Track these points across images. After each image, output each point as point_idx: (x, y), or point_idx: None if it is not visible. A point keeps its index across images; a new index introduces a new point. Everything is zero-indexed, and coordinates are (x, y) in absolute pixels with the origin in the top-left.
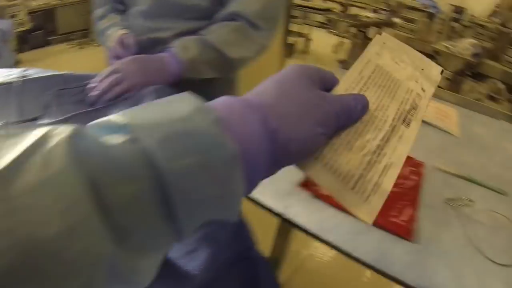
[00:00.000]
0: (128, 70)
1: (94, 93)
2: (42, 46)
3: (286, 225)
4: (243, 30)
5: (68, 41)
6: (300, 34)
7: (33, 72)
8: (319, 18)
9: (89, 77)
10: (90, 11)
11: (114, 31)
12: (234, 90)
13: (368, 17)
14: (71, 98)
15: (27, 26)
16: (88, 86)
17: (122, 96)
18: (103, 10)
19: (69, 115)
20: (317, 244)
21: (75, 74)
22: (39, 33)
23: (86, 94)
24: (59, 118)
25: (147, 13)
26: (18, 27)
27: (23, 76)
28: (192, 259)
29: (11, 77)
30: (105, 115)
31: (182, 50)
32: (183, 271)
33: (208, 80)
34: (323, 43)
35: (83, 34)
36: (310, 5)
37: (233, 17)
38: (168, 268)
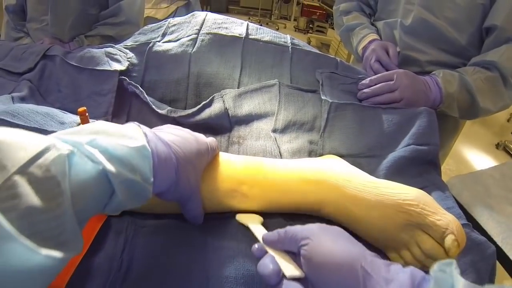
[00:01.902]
0: (402, 82)
1: (366, 90)
2: (222, 11)
3: None
4: (497, 82)
5: (247, 15)
6: None
7: (301, 43)
8: None
9: (359, 73)
10: None
11: (366, 32)
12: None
13: None
14: (340, 86)
15: None
16: (361, 82)
17: (389, 104)
18: (348, 5)
19: (347, 102)
20: None
21: (345, 64)
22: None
23: (356, 87)
24: (336, 101)
25: (408, 28)
26: None
27: (293, 44)
28: None
29: (280, 39)
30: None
31: (445, 83)
32: None
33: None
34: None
35: (263, 14)
36: None
37: (488, 66)
38: None
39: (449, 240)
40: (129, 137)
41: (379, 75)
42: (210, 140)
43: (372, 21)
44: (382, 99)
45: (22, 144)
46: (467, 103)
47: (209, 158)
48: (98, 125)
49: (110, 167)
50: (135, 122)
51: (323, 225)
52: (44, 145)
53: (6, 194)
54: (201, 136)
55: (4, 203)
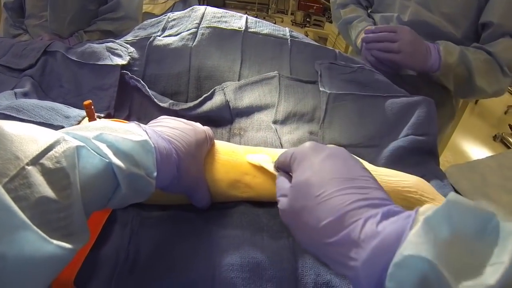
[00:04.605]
0: (404, 37)
1: (370, 35)
2: (219, 6)
3: None
4: (494, 66)
5: (245, 9)
6: None
7: (299, 36)
8: None
9: (358, 63)
10: None
11: (364, 25)
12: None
13: None
14: (340, 75)
15: None
16: (367, 28)
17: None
18: None
19: (347, 92)
20: None
21: (343, 55)
22: None
23: (355, 76)
24: (334, 92)
25: (405, 24)
26: None
27: (291, 36)
28: None
29: (279, 32)
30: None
31: (446, 53)
32: None
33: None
34: (496, 100)
35: (260, 8)
36: None
37: (488, 52)
38: None
39: None
40: (132, 132)
41: (385, 25)
42: (206, 128)
43: (369, 12)
44: (381, 46)
45: (33, 137)
46: (463, 78)
47: (208, 147)
48: (102, 123)
49: (116, 161)
50: (135, 122)
51: (316, 146)
52: (54, 138)
53: (20, 183)
54: (198, 126)
55: (18, 191)
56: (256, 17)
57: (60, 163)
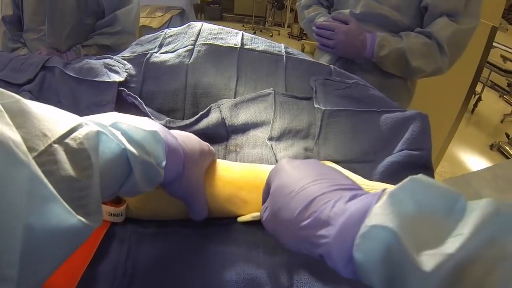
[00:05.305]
0: (339, 37)
1: (314, 29)
2: (217, 19)
3: None
4: (432, 48)
5: (242, 22)
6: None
7: (295, 51)
8: (498, 79)
9: (352, 78)
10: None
11: (323, 19)
12: (409, 96)
13: None
14: (334, 91)
15: None
16: (316, 21)
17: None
18: (307, 0)
19: (341, 108)
20: None
21: (338, 70)
22: (216, 7)
23: (350, 92)
24: (329, 108)
25: (359, 15)
26: None
27: (287, 53)
28: None
29: (274, 48)
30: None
31: (379, 47)
32: None
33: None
34: (492, 109)
35: (257, 21)
36: (497, 64)
37: (427, 35)
38: None
39: None
40: (144, 123)
41: (330, 22)
42: (210, 147)
43: (330, 11)
44: (321, 41)
45: (58, 119)
46: (401, 62)
47: (210, 160)
48: (116, 114)
49: (130, 148)
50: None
51: (290, 159)
52: (77, 121)
53: (48, 159)
54: (200, 140)
55: (46, 166)
56: (253, 30)
57: (83, 144)
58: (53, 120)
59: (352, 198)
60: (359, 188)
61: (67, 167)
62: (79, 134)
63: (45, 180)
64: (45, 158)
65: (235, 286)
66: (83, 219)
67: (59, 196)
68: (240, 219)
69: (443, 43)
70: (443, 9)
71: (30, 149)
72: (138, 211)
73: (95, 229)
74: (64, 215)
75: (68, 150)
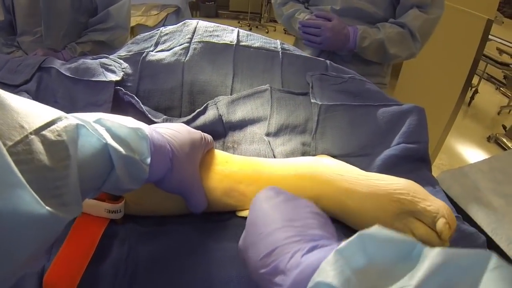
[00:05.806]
0: (325, 34)
1: (300, 26)
2: (212, 16)
3: None
4: (406, 36)
5: (237, 19)
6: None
7: (290, 47)
8: (494, 71)
9: (348, 73)
10: None
11: (303, 16)
12: (386, 78)
13: None
14: (331, 86)
15: None
16: (303, 18)
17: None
18: None
19: (338, 103)
20: None
21: (334, 65)
22: (211, 5)
23: (347, 86)
24: (325, 103)
25: (338, 11)
26: None
27: (283, 49)
28: None
29: (270, 45)
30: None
31: (360, 39)
32: None
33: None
34: (489, 101)
35: (253, 17)
36: (493, 57)
37: (401, 25)
38: None
39: (440, 223)
40: (128, 121)
41: (315, 20)
42: (206, 135)
43: (306, 6)
44: (308, 38)
45: (38, 112)
46: (380, 50)
47: (204, 150)
48: (100, 113)
49: (112, 142)
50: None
51: (271, 192)
52: (57, 115)
53: (23, 149)
54: (192, 129)
55: (20, 155)
56: (249, 26)
57: (61, 136)
58: (33, 113)
59: (310, 250)
60: (325, 237)
61: (43, 158)
62: (58, 126)
63: (14, 167)
64: (20, 148)
65: (237, 282)
66: (53, 210)
67: (26, 184)
68: (239, 213)
69: (415, 31)
70: (414, 1)
71: (6, 139)
72: (137, 207)
73: (91, 225)
74: (32, 204)
75: (46, 141)
